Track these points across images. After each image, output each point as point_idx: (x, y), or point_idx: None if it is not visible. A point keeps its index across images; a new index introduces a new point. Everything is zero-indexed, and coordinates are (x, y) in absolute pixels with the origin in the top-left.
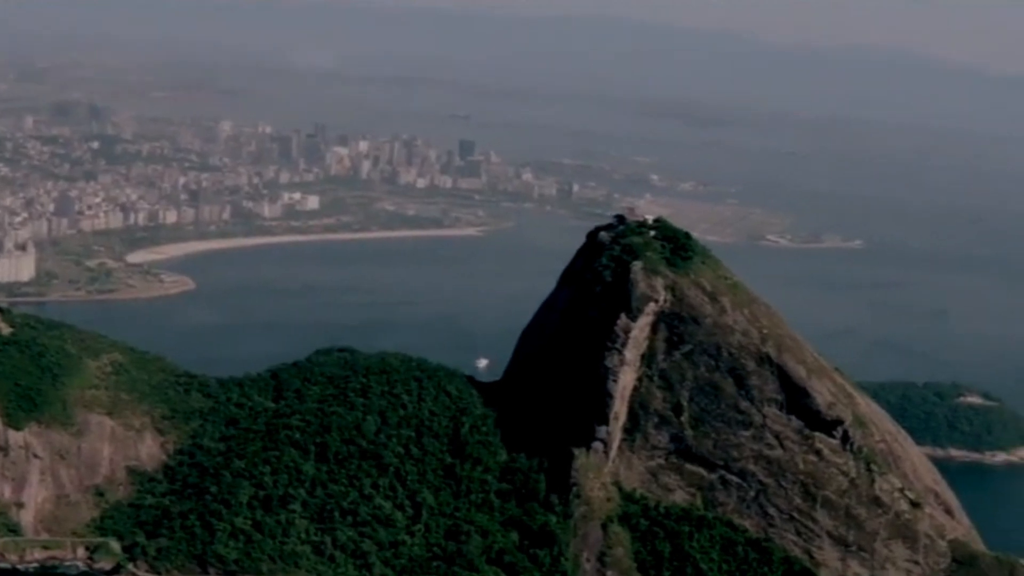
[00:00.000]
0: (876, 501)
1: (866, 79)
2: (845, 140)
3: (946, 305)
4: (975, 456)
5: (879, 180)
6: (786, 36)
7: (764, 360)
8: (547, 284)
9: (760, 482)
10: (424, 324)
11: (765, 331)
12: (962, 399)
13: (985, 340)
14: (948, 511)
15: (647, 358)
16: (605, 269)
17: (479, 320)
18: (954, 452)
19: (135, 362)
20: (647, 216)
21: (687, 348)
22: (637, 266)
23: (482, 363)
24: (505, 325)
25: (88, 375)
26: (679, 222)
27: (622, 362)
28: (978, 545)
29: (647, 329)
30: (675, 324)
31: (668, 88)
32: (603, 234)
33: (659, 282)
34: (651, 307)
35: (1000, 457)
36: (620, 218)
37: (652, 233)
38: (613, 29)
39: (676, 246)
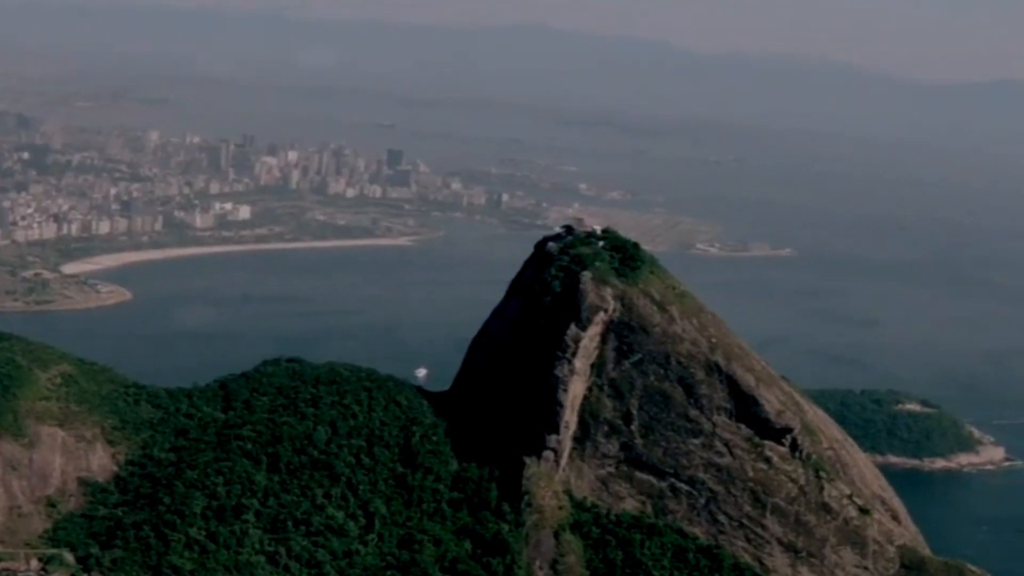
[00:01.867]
0: (825, 508)
1: (788, 88)
2: (770, 149)
3: (877, 313)
4: (914, 463)
5: (805, 188)
6: (710, 45)
7: (713, 369)
8: (481, 293)
9: (710, 490)
10: (361, 334)
11: (714, 340)
12: (900, 406)
13: (917, 347)
14: (895, 517)
15: (597, 367)
16: (554, 279)
17: (415, 329)
18: (893, 459)
19: (84, 373)
20: (595, 226)
21: (636, 357)
22: (586, 276)
23: (421, 373)
24: (442, 334)
25: (38, 386)
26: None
27: (572, 371)
28: (925, 550)
29: (597, 339)
30: (624, 333)
31: (592, 97)
32: (551, 244)
33: (608, 292)
34: (600, 317)
35: (939, 463)
36: (568, 228)
37: (601, 243)
38: (536, 39)
39: (624, 256)
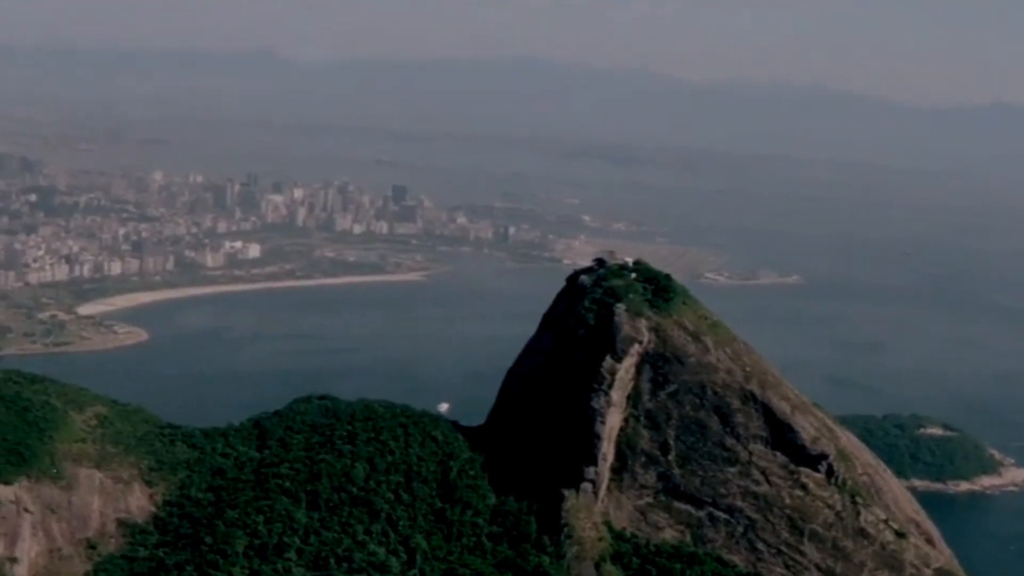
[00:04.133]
0: (862, 533)
1: (783, 115)
2: (768, 177)
3: (886, 337)
4: (938, 486)
5: (806, 215)
6: (703, 75)
7: (748, 397)
8: (495, 327)
9: (748, 517)
10: (378, 370)
11: (748, 369)
12: (923, 430)
13: (928, 371)
14: (929, 540)
15: (633, 399)
16: (588, 312)
17: (432, 365)
18: (917, 483)
19: (118, 414)
20: (627, 258)
21: (672, 388)
22: (620, 308)
23: (443, 407)
24: (459, 369)
25: (74, 428)
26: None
27: (608, 403)
28: (960, 573)
29: (632, 370)
30: (659, 364)
31: (589, 129)
32: (583, 277)
33: (642, 323)
34: (635, 348)
35: (963, 486)
36: (600, 261)
37: (633, 275)
38: (528, 71)
39: (657, 287)
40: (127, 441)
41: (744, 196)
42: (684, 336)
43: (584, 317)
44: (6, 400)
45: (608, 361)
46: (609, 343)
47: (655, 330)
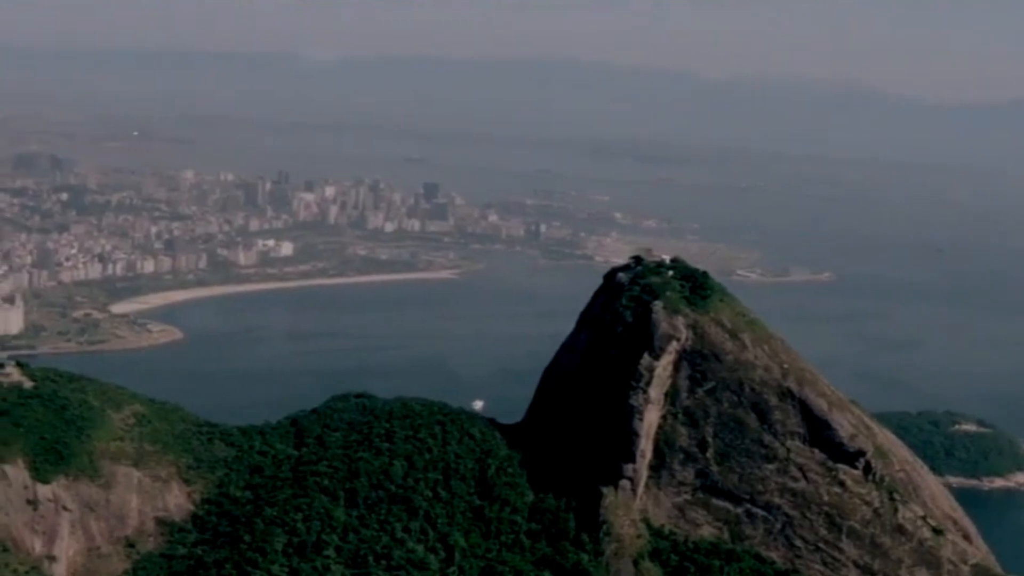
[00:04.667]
0: (899, 529)
1: (807, 112)
2: (795, 174)
3: (919, 335)
4: (972, 483)
5: (836, 212)
6: (729, 72)
7: (786, 394)
8: (528, 324)
9: (786, 514)
10: (412, 368)
11: (785, 366)
12: (957, 427)
13: (961, 368)
14: (966, 537)
15: (671, 396)
16: (625, 309)
17: (466, 362)
18: (951, 479)
19: (156, 413)
20: (664, 256)
21: (710, 385)
22: (658, 305)
23: (478, 405)
24: (493, 366)
25: (112, 427)
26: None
27: (647, 400)
28: (997, 569)
29: (670, 367)
30: (697, 362)
31: (615, 127)
32: (621, 275)
33: (680, 321)
34: (673, 345)
35: (997, 483)
36: (637, 259)
37: (670, 273)
38: (555, 69)
39: (695, 285)
40: (165, 439)
41: (773, 193)
42: (722, 333)
43: (622, 315)
44: (44, 398)
45: (646, 358)
46: (647, 340)
47: (693, 327)
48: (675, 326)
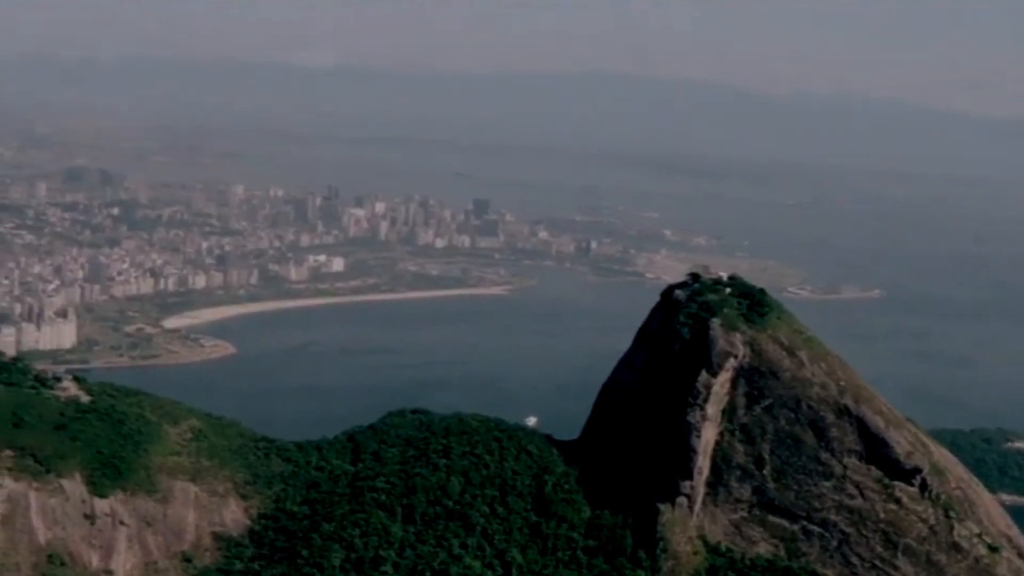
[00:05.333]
0: (955, 547)
1: (855, 127)
2: (844, 190)
3: (970, 352)
4: None
5: (885, 229)
6: (777, 87)
7: (843, 412)
8: (580, 341)
9: (842, 531)
10: (465, 384)
11: (842, 383)
12: (1010, 444)
13: (1013, 385)
14: (1021, 555)
15: (728, 413)
16: (683, 326)
17: (519, 378)
18: (1005, 497)
19: (213, 427)
20: (721, 273)
21: (767, 402)
22: (716, 323)
23: (531, 421)
24: (546, 382)
25: (169, 442)
26: None
27: (704, 417)
28: None
29: (727, 384)
30: (755, 379)
31: (663, 142)
32: (679, 292)
33: (738, 338)
34: (731, 363)
35: None
36: (695, 276)
37: (728, 290)
38: (603, 84)
39: (752, 302)
40: (222, 454)
41: (822, 210)
42: (779, 350)
43: (679, 332)
44: (101, 413)
45: (704, 375)
46: (704, 357)
47: (750, 344)
48: (733, 343)
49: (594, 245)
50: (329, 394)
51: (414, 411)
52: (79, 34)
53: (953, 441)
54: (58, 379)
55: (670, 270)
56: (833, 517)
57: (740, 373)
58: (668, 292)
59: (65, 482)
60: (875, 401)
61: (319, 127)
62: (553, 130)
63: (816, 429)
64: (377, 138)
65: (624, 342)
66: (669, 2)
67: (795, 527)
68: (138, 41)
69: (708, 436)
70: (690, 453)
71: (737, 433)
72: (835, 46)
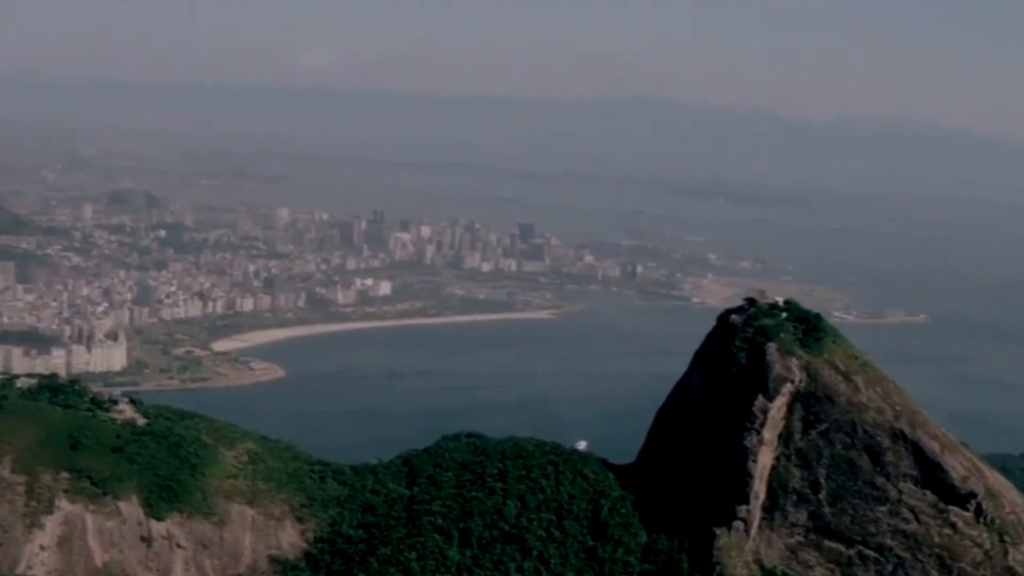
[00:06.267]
0: (1010, 571)
1: (897, 153)
2: (888, 214)
3: (1018, 377)
4: None
5: (928, 253)
6: (816, 113)
7: (898, 436)
8: (628, 365)
9: (897, 556)
10: (514, 407)
11: (898, 408)
12: None
13: None
14: None
15: (784, 437)
16: (739, 351)
17: (567, 402)
18: None
19: (268, 451)
20: (777, 298)
21: (823, 427)
22: (772, 347)
23: (581, 444)
24: (594, 407)
25: (225, 464)
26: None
27: (760, 442)
28: None
29: (784, 409)
30: (811, 403)
31: (706, 167)
32: (734, 317)
33: (794, 363)
34: (787, 387)
35: None
36: (751, 300)
37: (784, 315)
38: (646, 110)
39: (808, 327)
40: (278, 478)
41: (865, 234)
42: (835, 375)
43: (736, 356)
44: (157, 435)
45: (760, 400)
46: (761, 382)
47: (806, 369)
48: (789, 368)
49: (640, 269)
50: (379, 417)
51: (469, 435)
52: (121, 58)
53: (1003, 466)
54: (114, 401)
55: (716, 294)
56: (888, 542)
57: (796, 398)
58: (724, 317)
59: (122, 504)
60: (930, 425)
61: (360, 152)
62: (597, 156)
63: (872, 454)
64: (417, 163)
65: (671, 366)
66: (707, 27)
67: (851, 552)
68: (182, 66)
69: (764, 461)
70: (746, 478)
71: (793, 458)
72: (874, 72)
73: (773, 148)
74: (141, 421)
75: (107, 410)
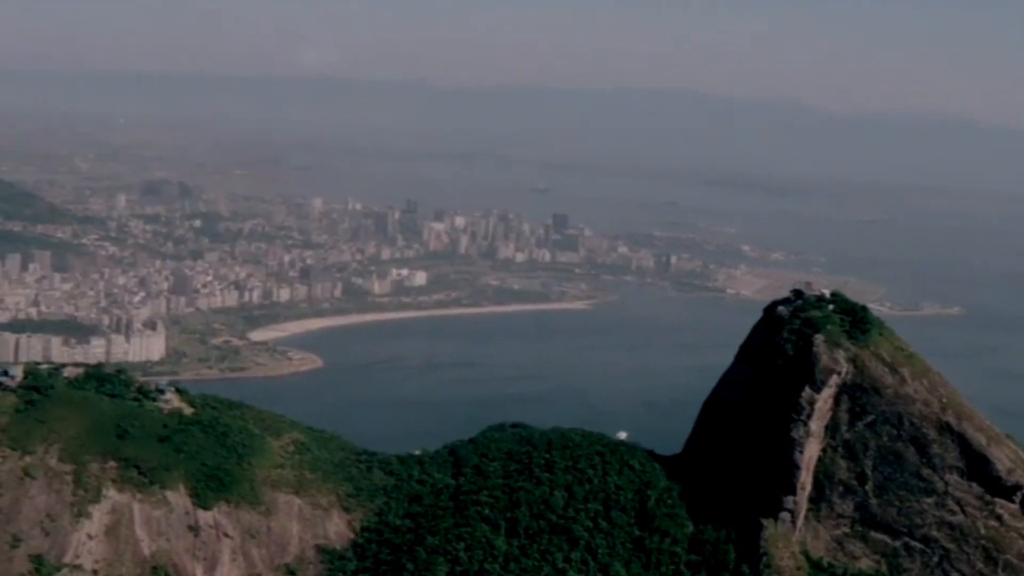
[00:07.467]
0: None
1: (929, 146)
2: (919, 207)
3: None
4: None
5: (961, 246)
6: (848, 105)
7: (945, 428)
8: (665, 356)
9: (943, 548)
10: (552, 398)
11: (944, 400)
12: None
13: None
14: None
15: (831, 429)
16: (786, 343)
17: (605, 393)
18: None
19: (315, 440)
20: (823, 290)
21: (870, 418)
22: (819, 339)
23: (621, 435)
24: (632, 398)
25: (272, 454)
26: (779, 292)
27: (807, 433)
28: None
29: (830, 400)
30: (857, 395)
31: (738, 159)
32: (781, 308)
33: (841, 354)
34: (834, 379)
35: None
36: (798, 292)
37: (831, 307)
38: (680, 101)
39: (855, 319)
40: (325, 467)
41: (897, 227)
42: (881, 367)
43: (783, 348)
44: (204, 425)
45: (807, 391)
46: (808, 374)
47: (853, 361)
48: (836, 360)
49: (674, 260)
50: (419, 407)
51: (514, 425)
52: (153, 50)
53: None
54: (161, 391)
55: (749, 285)
56: (934, 533)
57: (843, 389)
58: (771, 308)
59: (169, 494)
60: (976, 418)
61: (389, 142)
62: (618, 145)
63: (918, 445)
64: (447, 153)
65: (709, 358)
66: (732, 19)
67: (897, 543)
68: (215, 57)
69: (811, 452)
70: (793, 469)
71: (840, 449)
72: (908, 65)
73: (805, 141)
74: (188, 411)
75: (154, 400)
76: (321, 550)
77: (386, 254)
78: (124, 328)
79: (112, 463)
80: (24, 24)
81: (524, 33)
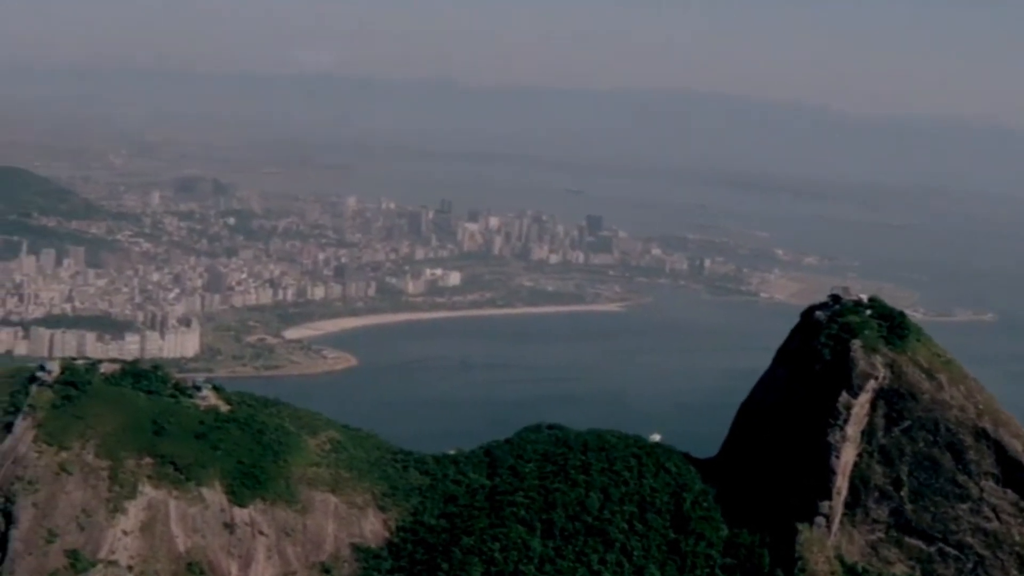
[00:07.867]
0: None
1: (958, 150)
2: (951, 212)
3: None
4: None
5: (992, 251)
6: (878, 109)
7: (981, 435)
8: (698, 359)
9: (977, 554)
10: (586, 399)
11: (980, 406)
12: None
13: None
14: None
15: (867, 434)
16: (824, 347)
17: (639, 395)
18: None
19: (351, 439)
20: (861, 295)
21: (906, 424)
22: (856, 344)
23: (655, 438)
24: (668, 400)
25: (308, 452)
26: (813, 297)
27: (844, 438)
28: None
29: (867, 406)
30: (894, 400)
31: (769, 163)
32: (819, 313)
33: (878, 360)
34: (871, 384)
35: None
36: (835, 297)
37: (868, 312)
38: (710, 104)
39: (892, 324)
40: (360, 466)
41: (930, 231)
42: (918, 373)
43: (820, 352)
44: (240, 422)
45: (844, 396)
46: (845, 378)
47: (890, 366)
48: (873, 365)
49: (707, 263)
50: (453, 407)
51: (550, 426)
52: (184, 47)
53: None
54: (197, 388)
55: (783, 289)
56: (969, 540)
57: (880, 395)
58: (809, 313)
59: (205, 491)
60: (1012, 425)
61: (421, 142)
62: (647, 148)
63: (954, 451)
64: (478, 153)
65: (743, 361)
66: (759, 22)
67: (931, 549)
68: (246, 56)
69: (847, 457)
70: (829, 473)
71: (876, 454)
72: (936, 70)
73: (836, 145)
74: (224, 408)
75: (190, 396)
76: (356, 549)
77: (420, 254)
78: (159, 324)
79: (148, 459)
80: (52, 23)
81: (548, 34)
